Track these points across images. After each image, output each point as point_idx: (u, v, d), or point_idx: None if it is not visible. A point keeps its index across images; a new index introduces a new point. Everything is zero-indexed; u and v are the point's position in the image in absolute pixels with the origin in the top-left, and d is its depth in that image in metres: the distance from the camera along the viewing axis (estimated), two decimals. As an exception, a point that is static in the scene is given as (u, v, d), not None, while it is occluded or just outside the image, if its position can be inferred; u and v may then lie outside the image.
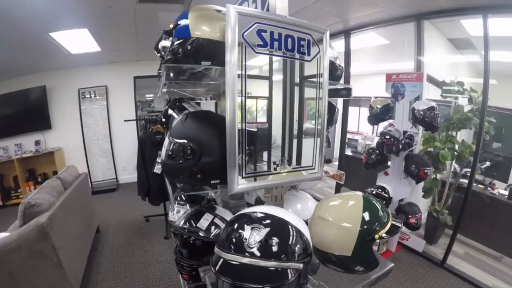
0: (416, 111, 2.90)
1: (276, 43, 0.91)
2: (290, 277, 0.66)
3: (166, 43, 1.31)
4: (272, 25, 0.90)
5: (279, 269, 0.66)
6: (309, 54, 1.00)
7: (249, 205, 1.43)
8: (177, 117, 1.37)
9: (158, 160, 3.28)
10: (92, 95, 5.23)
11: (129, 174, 5.68)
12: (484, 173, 3.97)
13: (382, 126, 3.36)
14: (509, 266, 3.18)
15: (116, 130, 5.51)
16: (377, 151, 3.12)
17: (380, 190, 3.19)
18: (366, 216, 0.89)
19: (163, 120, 1.98)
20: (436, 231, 3.62)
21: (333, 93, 1.42)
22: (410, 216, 2.96)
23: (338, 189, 4.34)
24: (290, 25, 0.93)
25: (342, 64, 1.41)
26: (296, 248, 0.71)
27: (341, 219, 0.90)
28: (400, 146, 2.95)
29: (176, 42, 0.88)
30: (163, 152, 1.00)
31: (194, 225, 1.08)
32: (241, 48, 0.84)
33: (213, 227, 1.08)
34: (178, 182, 1.03)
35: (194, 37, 0.85)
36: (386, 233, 0.93)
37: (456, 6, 2.78)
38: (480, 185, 3.77)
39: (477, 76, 4.60)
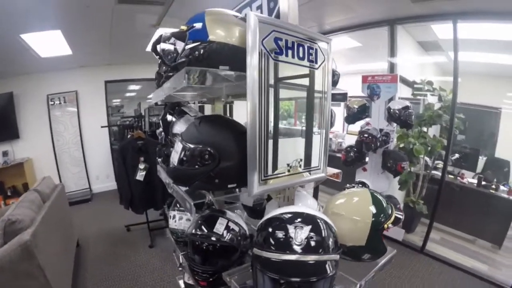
0: (392, 110, 3.07)
1: (290, 51, 0.94)
2: (331, 269, 0.72)
3: (167, 46, 1.28)
4: (287, 34, 0.92)
5: (323, 262, 0.71)
6: (316, 62, 1.05)
7: (245, 207, 1.45)
8: (179, 122, 1.34)
9: (141, 166, 3.18)
10: (62, 101, 4.93)
11: (102, 183, 5.46)
12: (454, 164, 4.30)
13: (358, 124, 3.49)
14: (482, 247, 3.52)
15: (87, 137, 5.25)
16: (355, 149, 3.27)
17: (360, 185, 3.33)
18: (375, 209, 1.02)
19: (161, 125, 1.95)
20: (413, 220, 3.87)
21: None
22: (392, 207, 3.14)
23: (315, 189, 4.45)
24: (302, 34, 0.97)
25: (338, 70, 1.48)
26: (331, 241, 0.77)
27: (354, 213, 1.03)
28: (378, 144, 3.10)
29: (192, 45, 0.86)
30: (174, 158, 0.96)
31: (207, 230, 1.06)
32: (261, 54, 0.85)
33: (226, 231, 1.07)
34: (192, 189, 1.01)
35: (212, 40, 0.84)
36: (391, 223, 1.07)
37: (429, 12, 2.99)
38: (450, 176, 4.06)
39: (442, 75, 4.99)
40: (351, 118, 3.34)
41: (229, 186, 0.97)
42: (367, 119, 3.43)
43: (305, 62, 1.01)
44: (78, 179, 5.23)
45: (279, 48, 0.90)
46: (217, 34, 0.85)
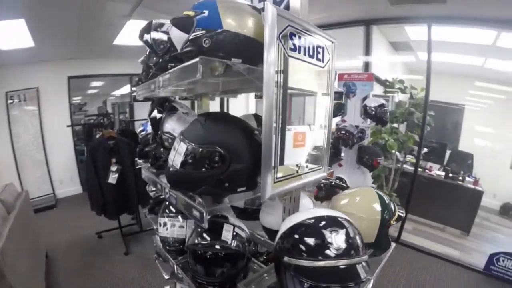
0: (368, 107, 3.15)
1: (302, 48, 0.89)
2: (365, 270, 0.70)
3: (159, 34, 1.16)
4: (301, 30, 0.87)
5: (358, 264, 0.70)
6: (323, 61, 1.03)
7: (234, 208, 1.37)
8: (171, 119, 1.22)
9: (113, 168, 2.95)
10: (22, 99, 4.44)
11: (67, 187, 5.04)
12: (423, 158, 4.55)
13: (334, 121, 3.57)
14: (452, 234, 3.80)
15: (49, 138, 4.79)
16: (331, 145, 3.31)
17: (338, 180, 3.41)
18: (382, 206, 1.09)
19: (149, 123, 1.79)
20: None
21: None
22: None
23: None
24: (313, 32, 0.93)
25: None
26: (361, 242, 0.75)
27: (364, 212, 1.08)
28: (355, 140, 3.19)
29: (198, 33, 0.77)
30: (175, 160, 0.86)
31: (214, 239, 0.97)
32: (278, 50, 0.78)
33: (234, 238, 0.99)
34: (197, 194, 0.91)
35: (226, 30, 0.75)
36: (395, 220, 1.14)
37: (406, 15, 3.11)
38: (419, 169, 4.29)
39: (409, 73, 5.26)
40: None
41: (239, 190, 0.90)
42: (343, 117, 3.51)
43: (314, 60, 0.97)
44: (41, 184, 4.77)
45: (294, 44, 0.85)
46: (230, 23, 0.76)
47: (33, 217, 2.74)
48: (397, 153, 4.28)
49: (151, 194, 2.01)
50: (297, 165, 1.00)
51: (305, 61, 0.92)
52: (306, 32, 0.91)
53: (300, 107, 2.62)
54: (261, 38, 0.81)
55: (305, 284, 0.70)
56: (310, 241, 0.72)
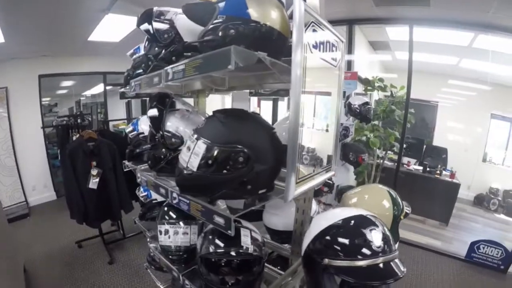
0: (352, 105, 3.20)
1: (322, 46, 0.87)
2: (399, 265, 0.70)
3: (161, 24, 1.07)
4: (321, 28, 0.85)
5: (396, 259, 0.71)
6: (336, 60, 1.02)
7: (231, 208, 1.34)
8: (173, 117, 1.14)
9: (93, 172, 2.77)
10: (-11, 100, 4.06)
11: (40, 194, 4.67)
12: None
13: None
14: (432, 225, 4.00)
15: (20, 142, 4.41)
16: None
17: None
18: (394, 203, 1.12)
19: (140, 122, 1.67)
20: None
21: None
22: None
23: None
24: (329, 30, 0.91)
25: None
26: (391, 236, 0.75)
27: (376, 209, 1.05)
28: (340, 137, 3.24)
29: (219, 22, 0.71)
30: (191, 161, 0.78)
31: (232, 246, 0.91)
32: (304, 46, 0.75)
33: (252, 242, 0.93)
34: (217, 198, 0.84)
35: (254, 20, 0.69)
36: (403, 216, 1.18)
37: (389, 16, 3.19)
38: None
39: (385, 72, 5.44)
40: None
41: (260, 192, 0.85)
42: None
43: (329, 59, 0.95)
44: (13, 192, 4.37)
45: (315, 41, 0.82)
46: (258, 12, 0.71)
47: (8, 228, 2.48)
48: (377, 150, 4.41)
49: (141, 198, 1.90)
50: (313, 165, 0.97)
51: (323, 58, 0.90)
52: (325, 28, 0.88)
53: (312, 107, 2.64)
54: (283, 30, 0.77)
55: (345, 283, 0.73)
56: (352, 241, 0.71)
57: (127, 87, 1.49)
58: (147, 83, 1.05)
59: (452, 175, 4.14)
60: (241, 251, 0.90)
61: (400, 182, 3.97)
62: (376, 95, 4.79)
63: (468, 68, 4.32)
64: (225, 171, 0.76)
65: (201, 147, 0.76)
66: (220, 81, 1.19)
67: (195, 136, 0.80)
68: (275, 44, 0.76)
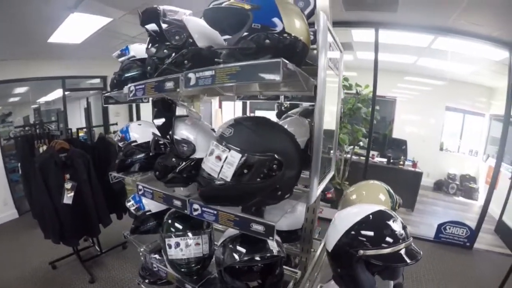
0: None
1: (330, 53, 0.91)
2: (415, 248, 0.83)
3: (171, 26, 1.02)
4: (333, 37, 0.91)
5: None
6: (338, 69, 1.10)
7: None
8: (185, 124, 1.08)
9: (67, 186, 2.57)
10: None
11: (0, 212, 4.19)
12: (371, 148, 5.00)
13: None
14: (399, 212, 4.12)
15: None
16: None
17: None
18: (390, 196, 1.25)
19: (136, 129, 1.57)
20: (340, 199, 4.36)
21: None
22: (326, 192, 3.49)
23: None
24: (335, 40, 0.98)
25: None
26: None
27: (377, 202, 1.20)
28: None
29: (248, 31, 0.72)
30: (224, 171, 0.77)
31: (259, 251, 0.93)
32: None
33: (279, 245, 0.96)
34: (250, 206, 0.84)
35: (288, 32, 0.71)
36: (398, 207, 1.30)
37: (356, 20, 3.39)
38: (362, 157, 4.73)
39: (346, 70, 5.74)
40: (283, 114, 3.50)
41: (286, 196, 0.87)
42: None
43: (333, 66, 1.01)
44: None
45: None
46: (289, 23, 0.73)
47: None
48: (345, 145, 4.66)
49: (132, 211, 1.80)
50: (324, 167, 1.03)
51: (330, 67, 0.95)
52: (333, 35, 0.94)
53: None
54: (306, 41, 0.80)
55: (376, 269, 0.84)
56: (381, 232, 0.81)
57: (115, 91, 1.41)
58: (156, 87, 0.98)
59: (414, 164, 4.53)
60: (268, 254, 0.93)
61: (368, 175, 4.24)
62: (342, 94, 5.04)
63: (425, 66, 4.74)
64: (259, 179, 0.77)
65: (235, 156, 0.76)
66: (229, 87, 1.19)
67: (225, 144, 0.79)
68: (300, 54, 0.79)
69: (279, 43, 0.72)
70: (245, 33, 0.73)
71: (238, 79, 0.70)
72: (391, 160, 4.73)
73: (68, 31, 3.22)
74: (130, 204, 1.77)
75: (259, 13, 0.71)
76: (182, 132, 1.06)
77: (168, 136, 1.06)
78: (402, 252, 0.80)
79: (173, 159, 1.08)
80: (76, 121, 5.47)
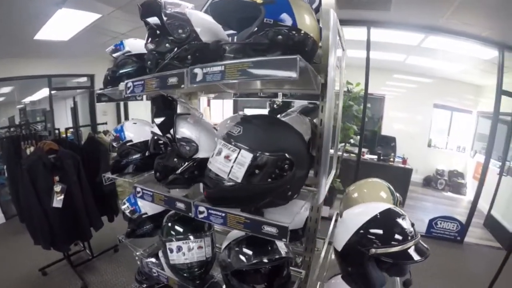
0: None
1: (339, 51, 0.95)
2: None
3: (173, 20, 0.97)
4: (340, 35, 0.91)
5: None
6: (341, 67, 1.13)
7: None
8: (187, 123, 1.04)
9: (57, 189, 2.48)
10: None
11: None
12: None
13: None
14: None
15: None
16: None
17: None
18: (391, 194, 1.27)
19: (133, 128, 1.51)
20: (332, 197, 4.39)
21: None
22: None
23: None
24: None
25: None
26: None
27: (379, 199, 1.22)
28: None
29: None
30: (234, 172, 0.74)
31: (267, 253, 0.90)
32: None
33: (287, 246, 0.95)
34: (260, 207, 0.82)
35: (301, 30, 0.69)
36: (399, 203, 1.29)
37: (348, 18, 3.42)
38: (352, 154, 4.77)
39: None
40: (275, 112, 3.49)
41: (294, 197, 0.85)
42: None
43: (339, 64, 1.04)
44: None
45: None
46: (301, 20, 0.71)
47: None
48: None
49: (127, 213, 1.74)
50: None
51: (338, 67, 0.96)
52: (340, 34, 0.93)
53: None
54: (316, 38, 0.79)
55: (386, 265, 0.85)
56: (392, 230, 0.83)
57: (109, 88, 1.34)
58: (158, 84, 0.91)
59: (404, 161, 4.62)
60: (277, 256, 0.91)
61: (359, 172, 4.30)
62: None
63: (414, 64, 4.82)
64: (270, 179, 0.75)
65: (246, 156, 0.73)
66: (231, 84, 1.15)
67: (234, 144, 0.76)
68: (309, 52, 0.77)
69: (290, 40, 0.70)
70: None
71: (251, 76, 0.67)
72: (381, 157, 4.80)
73: (55, 28, 3.11)
74: (125, 206, 1.70)
75: (271, 7, 0.69)
76: (185, 131, 1.01)
77: (169, 135, 1.01)
78: (412, 249, 0.80)
79: (175, 159, 1.03)
80: (63, 121, 5.30)
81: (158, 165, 1.06)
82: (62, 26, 3.08)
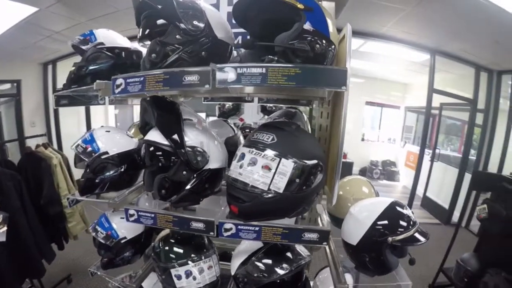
0: (267, 106, 3.46)
1: None
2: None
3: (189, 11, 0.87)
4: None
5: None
6: None
7: None
8: (193, 129, 0.92)
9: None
10: None
11: None
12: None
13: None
14: None
15: None
16: None
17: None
18: (372, 187, 1.38)
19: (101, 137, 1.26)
20: None
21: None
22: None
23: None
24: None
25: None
26: None
27: (360, 194, 1.31)
28: None
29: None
30: (276, 183, 0.72)
31: (288, 261, 0.92)
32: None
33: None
34: (292, 216, 0.82)
35: (333, 42, 0.73)
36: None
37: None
38: None
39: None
40: (226, 115, 3.49)
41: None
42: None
43: None
44: None
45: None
46: (333, 34, 0.74)
47: None
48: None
49: (100, 239, 1.48)
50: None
51: None
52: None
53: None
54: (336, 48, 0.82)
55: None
56: (402, 219, 0.93)
57: (73, 88, 1.13)
58: (168, 82, 0.75)
59: (345, 155, 5.12)
60: (303, 262, 0.93)
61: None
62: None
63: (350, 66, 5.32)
64: (305, 187, 0.76)
65: (287, 165, 0.72)
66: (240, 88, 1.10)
67: (274, 153, 0.73)
68: (330, 61, 0.78)
69: (329, 53, 0.72)
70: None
71: (298, 82, 0.65)
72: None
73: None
74: (98, 233, 1.45)
75: (310, 15, 0.68)
76: (194, 138, 0.88)
77: (176, 144, 0.86)
78: (417, 232, 0.92)
79: (184, 173, 0.88)
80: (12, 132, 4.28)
81: (164, 181, 0.88)
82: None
